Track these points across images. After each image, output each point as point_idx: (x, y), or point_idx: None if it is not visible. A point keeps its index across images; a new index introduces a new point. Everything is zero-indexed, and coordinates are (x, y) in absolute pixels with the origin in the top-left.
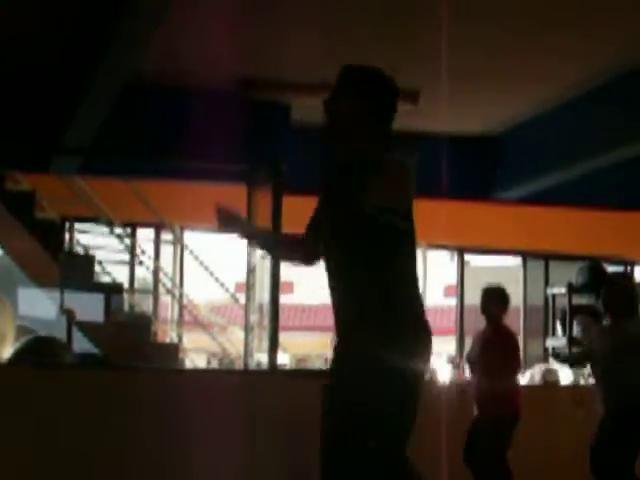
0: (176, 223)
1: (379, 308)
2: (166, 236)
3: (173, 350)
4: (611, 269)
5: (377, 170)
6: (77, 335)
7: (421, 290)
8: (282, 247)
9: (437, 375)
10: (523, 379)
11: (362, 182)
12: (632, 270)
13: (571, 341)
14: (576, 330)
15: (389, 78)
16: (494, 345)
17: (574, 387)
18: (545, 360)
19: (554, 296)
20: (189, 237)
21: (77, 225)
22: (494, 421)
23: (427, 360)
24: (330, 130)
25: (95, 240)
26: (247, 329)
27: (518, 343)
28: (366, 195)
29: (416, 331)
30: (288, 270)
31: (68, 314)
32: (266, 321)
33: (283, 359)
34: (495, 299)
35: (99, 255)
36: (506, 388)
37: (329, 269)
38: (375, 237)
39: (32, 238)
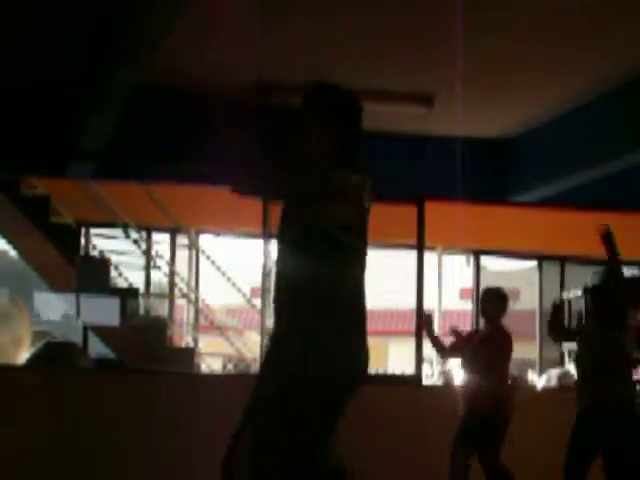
0: (192, 227)
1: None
2: (182, 240)
3: (189, 354)
4: (627, 272)
5: (321, 183)
6: (93, 339)
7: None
8: None
9: (453, 378)
10: (539, 382)
11: (303, 192)
12: None
13: None
14: None
15: (353, 96)
16: (490, 345)
17: None
18: (561, 363)
19: (570, 299)
20: (205, 241)
21: (93, 229)
22: (485, 421)
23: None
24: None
25: (111, 244)
26: (263, 333)
27: (512, 345)
28: (305, 207)
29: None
30: None
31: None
32: None
33: None
34: (494, 300)
35: (115, 259)
36: (499, 388)
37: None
38: (311, 248)
39: (48, 242)
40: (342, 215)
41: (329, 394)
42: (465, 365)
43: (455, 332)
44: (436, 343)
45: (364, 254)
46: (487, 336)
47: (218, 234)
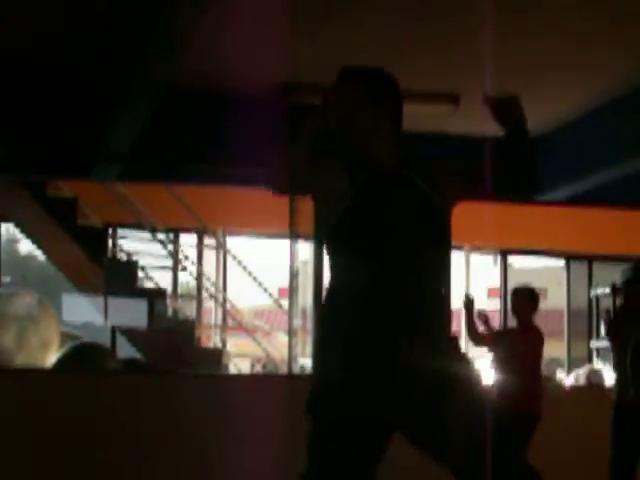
0: (219, 228)
1: None
2: (209, 241)
3: (217, 355)
4: None
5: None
6: (121, 341)
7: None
8: None
9: (482, 377)
10: (567, 380)
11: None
12: None
13: None
14: None
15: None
16: (524, 343)
17: None
18: (589, 362)
19: (598, 297)
20: (232, 242)
21: (120, 231)
22: (518, 417)
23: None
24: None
25: (138, 246)
26: (291, 334)
27: (543, 343)
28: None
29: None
30: None
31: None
32: (309, 325)
33: None
34: (525, 299)
35: (142, 261)
36: (533, 385)
37: None
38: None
39: (75, 245)
40: None
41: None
42: (498, 362)
43: (483, 316)
44: (472, 330)
45: None
46: (520, 334)
47: (245, 235)
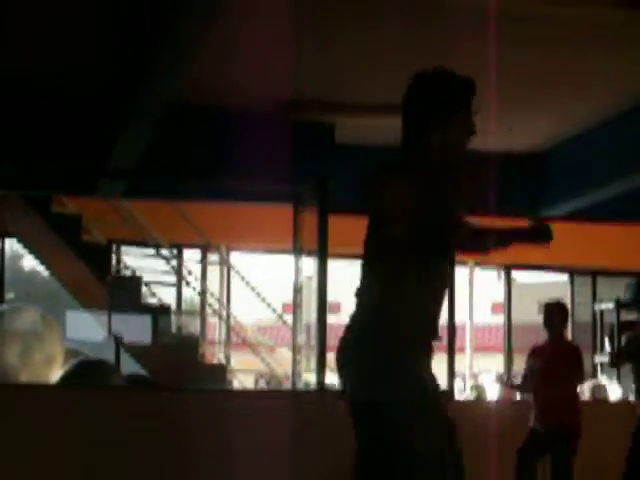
0: (222, 244)
1: None
2: (212, 257)
3: (221, 371)
4: None
5: None
6: (125, 357)
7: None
8: None
9: (485, 393)
10: None
11: None
12: None
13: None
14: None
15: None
16: (561, 356)
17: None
18: (594, 376)
19: (602, 312)
20: (235, 258)
21: (124, 247)
22: (561, 431)
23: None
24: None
25: (142, 262)
26: (295, 349)
27: (582, 355)
28: None
29: None
30: (335, 290)
31: (116, 337)
32: (313, 341)
33: (331, 379)
34: (557, 313)
35: (146, 277)
36: (571, 399)
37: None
38: None
39: (79, 261)
40: None
41: None
42: (538, 378)
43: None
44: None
45: None
46: (556, 351)
47: (249, 250)
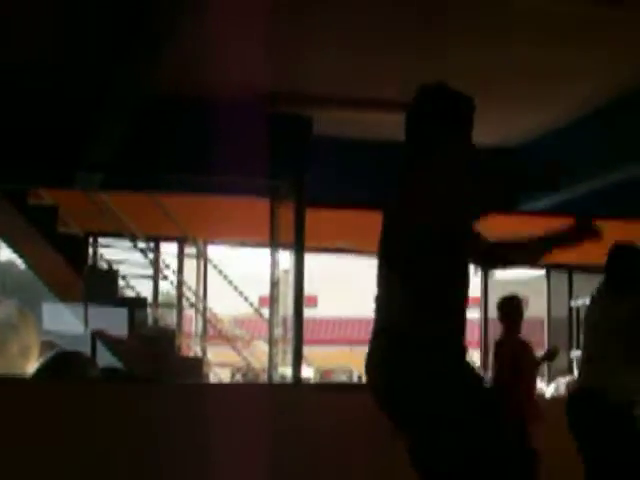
0: (199, 237)
1: None
2: (189, 250)
3: (197, 364)
4: None
5: None
6: (101, 349)
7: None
8: None
9: None
10: (547, 391)
11: None
12: None
13: None
14: None
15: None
16: (517, 352)
17: None
18: (570, 372)
19: (578, 308)
20: (212, 251)
21: (101, 240)
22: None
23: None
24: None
25: (119, 255)
26: (271, 343)
27: (533, 353)
28: None
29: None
30: (312, 284)
31: (92, 331)
32: (290, 335)
33: (307, 373)
34: (513, 307)
35: (123, 270)
36: (515, 398)
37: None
38: None
39: (55, 253)
40: None
41: None
42: (496, 373)
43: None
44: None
45: None
46: (513, 344)
47: (226, 244)
